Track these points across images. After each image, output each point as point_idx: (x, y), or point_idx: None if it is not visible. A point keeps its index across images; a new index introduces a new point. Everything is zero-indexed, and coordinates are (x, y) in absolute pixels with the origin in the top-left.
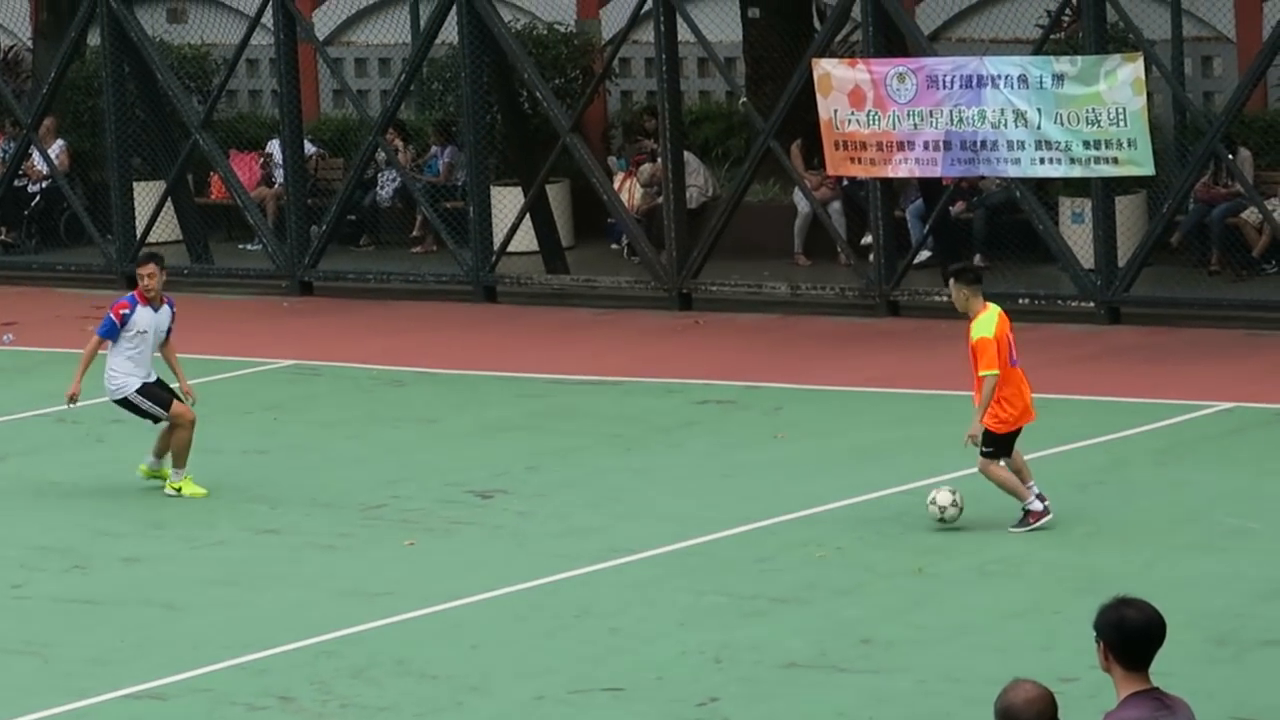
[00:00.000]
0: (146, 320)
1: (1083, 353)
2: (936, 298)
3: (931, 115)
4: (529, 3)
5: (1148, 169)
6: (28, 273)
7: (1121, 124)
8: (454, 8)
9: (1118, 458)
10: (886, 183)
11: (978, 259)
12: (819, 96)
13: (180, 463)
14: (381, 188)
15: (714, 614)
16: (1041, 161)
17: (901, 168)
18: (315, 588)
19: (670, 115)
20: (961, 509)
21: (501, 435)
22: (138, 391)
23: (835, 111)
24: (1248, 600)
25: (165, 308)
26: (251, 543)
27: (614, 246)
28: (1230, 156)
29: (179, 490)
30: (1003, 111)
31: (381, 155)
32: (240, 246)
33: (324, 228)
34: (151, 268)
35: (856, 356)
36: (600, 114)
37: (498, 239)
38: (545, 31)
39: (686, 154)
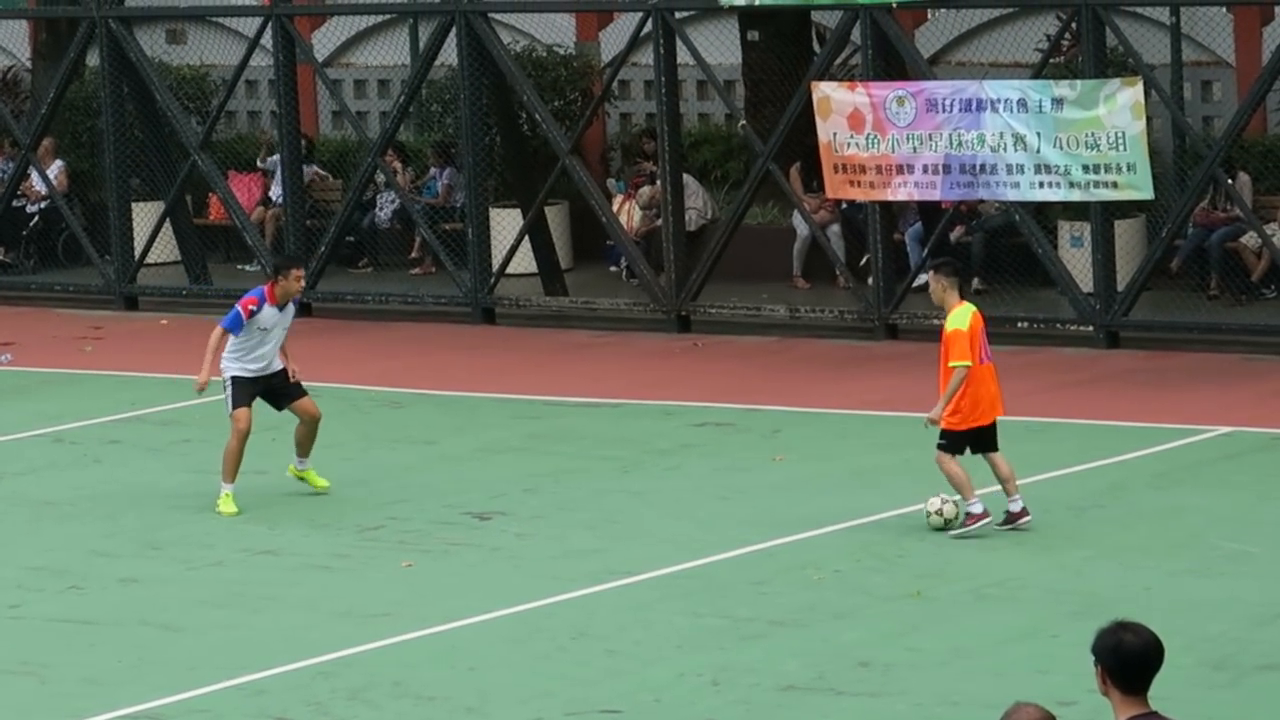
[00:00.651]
0: (271, 319)
1: (1081, 377)
2: (935, 321)
3: (931, 139)
4: (528, 25)
5: (1147, 193)
6: (26, 293)
7: (1121, 148)
8: (453, 29)
9: (1116, 482)
10: (885, 206)
11: (976, 282)
12: (818, 119)
13: (301, 452)
14: (380, 209)
15: (712, 636)
16: (1041, 185)
17: (900, 191)
18: (313, 609)
19: (669, 138)
20: (958, 507)
21: (499, 457)
22: (234, 378)
23: (834, 134)
24: (1246, 625)
25: (290, 306)
26: (249, 564)
27: (613, 269)
28: (1229, 181)
29: (303, 478)
30: (1002, 135)
31: (380, 177)
32: (239, 267)
33: (322, 249)
34: (301, 271)
35: (855, 379)
36: (599, 136)
37: (496, 261)
38: (544, 53)
39: (685, 176)
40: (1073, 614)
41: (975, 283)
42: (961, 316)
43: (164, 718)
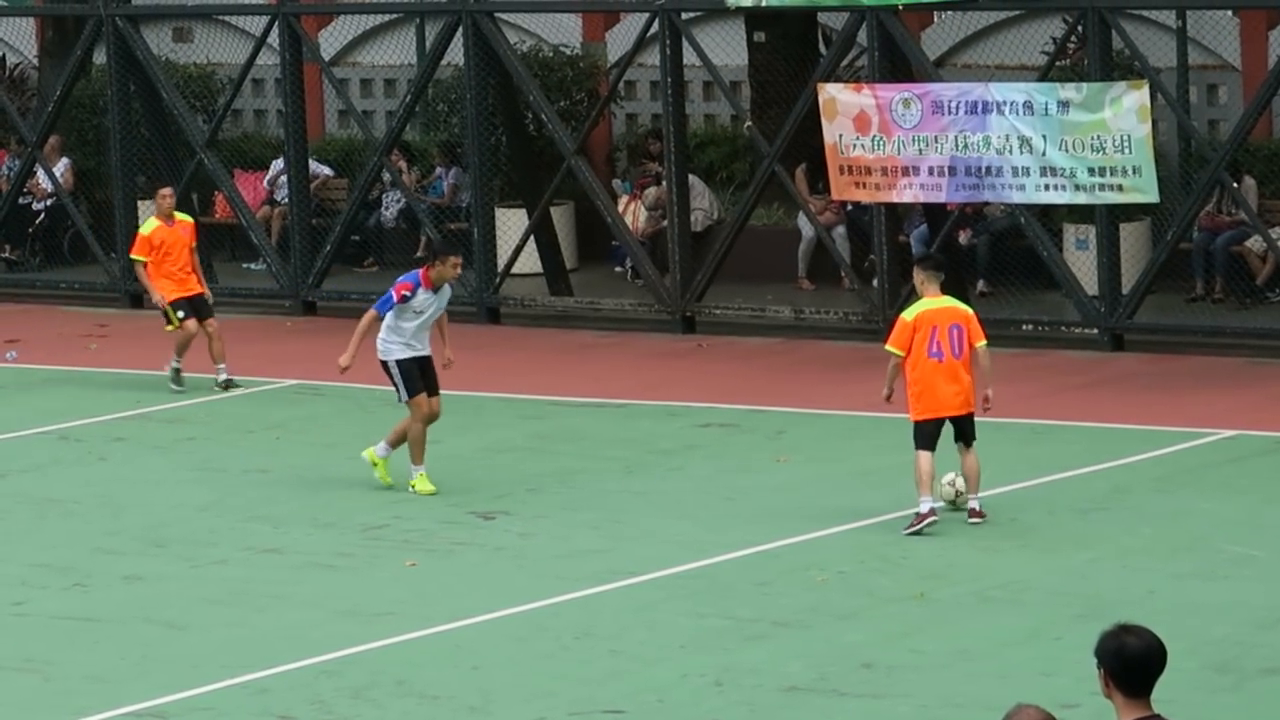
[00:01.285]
0: (425, 302)
1: (1086, 379)
2: None
3: (936, 141)
4: (535, 25)
5: (1152, 196)
6: (31, 290)
7: (1126, 151)
8: (460, 29)
9: (1120, 484)
10: (891, 208)
11: (981, 285)
12: (824, 121)
13: (416, 459)
14: (386, 208)
15: (715, 637)
16: (1046, 188)
17: (906, 193)
18: (316, 608)
19: (675, 138)
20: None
21: (503, 456)
22: (398, 361)
23: (840, 136)
24: (1249, 628)
25: (446, 290)
26: (253, 562)
27: (618, 269)
28: (1235, 185)
29: (375, 463)
30: (1008, 138)
31: (386, 176)
32: (244, 266)
33: (328, 248)
34: (459, 259)
35: (859, 381)
36: (605, 137)
37: (501, 261)
38: (551, 54)
39: (691, 177)
40: (1076, 616)
41: (980, 285)
42: (914, 308)
43: (167, 715)
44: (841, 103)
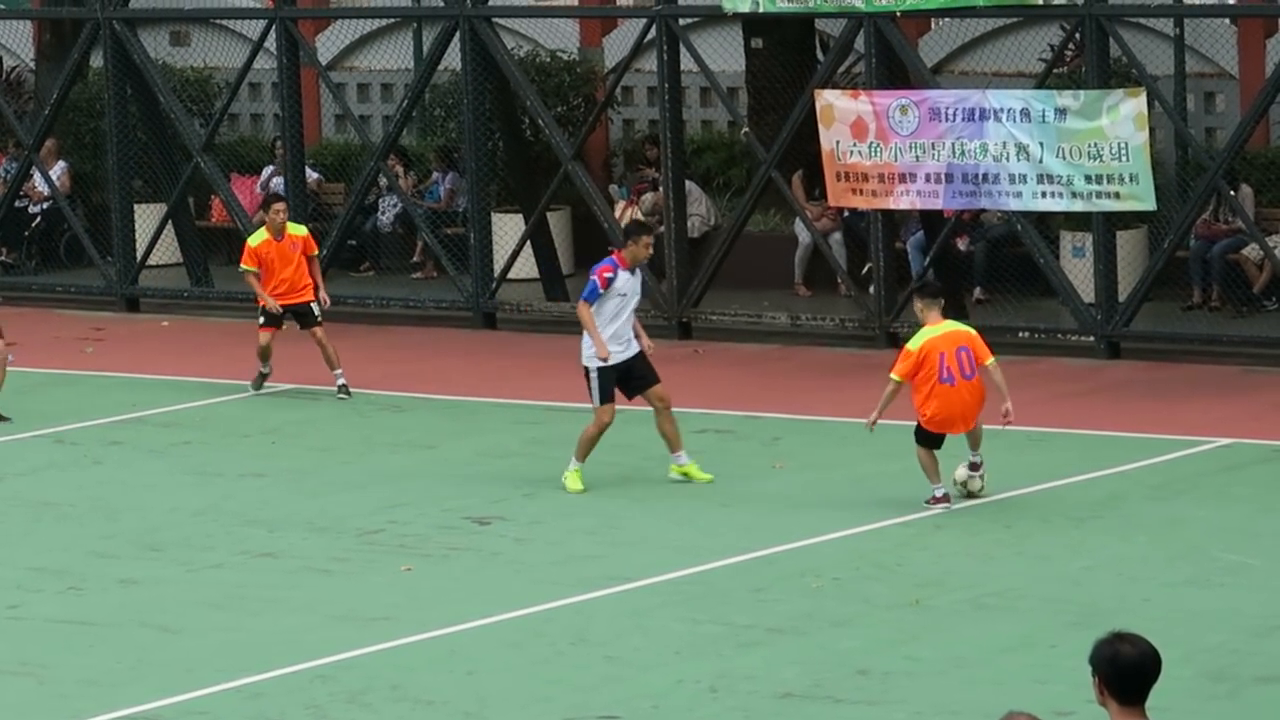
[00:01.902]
0: (627, 283)
1: (1082, 387)
2: None
3: (933, 148)
4: (532, 30)
5: (1149, 204)
6: (27, 294)
7: (1123, 159)
8: (457, 34)
9: (1115, 492)
10: (888, 214)
11: (978, 292)
12: (821, 127)
13: (674, 446)
14: (382, 213)
15: (710, 643)
16: (1043, 195)
17: (903, 200)
18: (311, 612)
19: (672, 144)
20: (982, 480)
21: (499, 462)
22: (600, 369)
23: (837, 143)
24: (1245, 636)
25: (638, 270)
26: (248, 566)
27: None
28: (1232, 193)
29: (685, 474)
30: (1005, 145)
31: (383, 181)
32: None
33: (324, 252)
34: (650, 239)
35: (856, 388)
36: (602, 142)
37: (498, 265)
38: (548, 59)
39: (688, 183)
40: (1071, 624)
41: (977, 292)
42: (919, 336)
43: (162, 719)
44: (839, 109)
